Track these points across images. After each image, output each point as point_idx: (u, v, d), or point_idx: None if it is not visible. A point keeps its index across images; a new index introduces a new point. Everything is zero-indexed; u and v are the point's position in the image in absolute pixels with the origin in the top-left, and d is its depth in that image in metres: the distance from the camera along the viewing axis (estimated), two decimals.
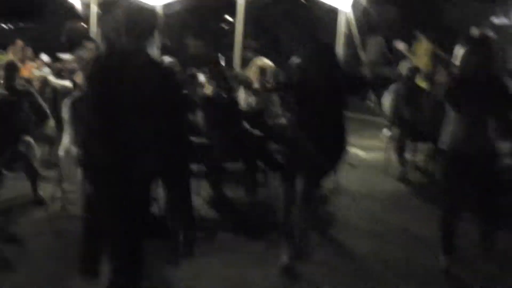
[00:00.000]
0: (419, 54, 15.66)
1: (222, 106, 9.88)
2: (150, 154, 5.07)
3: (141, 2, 5.45)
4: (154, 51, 5.34)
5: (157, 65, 5.32)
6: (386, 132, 11.78)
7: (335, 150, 7.14)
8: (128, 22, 5.20)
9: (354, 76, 8.71)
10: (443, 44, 15.01)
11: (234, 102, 10.25)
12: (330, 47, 7.23)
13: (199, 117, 9.89)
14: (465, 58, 6.90)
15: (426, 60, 15.26)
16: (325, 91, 6.85)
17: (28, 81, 12.28)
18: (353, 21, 14.15)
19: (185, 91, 5.42)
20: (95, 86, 5.13)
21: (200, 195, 9.51)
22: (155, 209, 7.53)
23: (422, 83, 12.28)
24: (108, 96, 4.96)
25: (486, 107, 6.78)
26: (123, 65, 5.03)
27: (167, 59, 11.58)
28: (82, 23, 19.08)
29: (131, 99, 4.93)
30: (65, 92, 10.46)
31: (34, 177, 9.17)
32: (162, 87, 5.06)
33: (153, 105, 4.98)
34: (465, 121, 6.82)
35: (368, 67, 14.45)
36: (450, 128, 6.98)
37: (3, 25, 27.10)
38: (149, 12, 5.40)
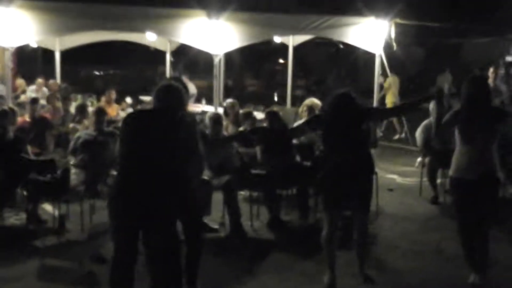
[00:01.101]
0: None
1: (277, 141, 9.59)
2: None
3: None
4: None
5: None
6: (419, 160, 11.41)
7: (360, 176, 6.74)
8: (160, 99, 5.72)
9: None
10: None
11: (287, 137, 9.88)
12: (346, 94, 6.90)
13: (257, 149, 9.59)
14: (462, 93, 6.64)
15: None
16: (342, 126, 6.60)
17: (113, 121, 12.24)
18: (385, 62, 13.95)
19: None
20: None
21: (259, 218, 9.35)
22: None
23: None
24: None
25: (486, 135, 6.50)
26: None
27: (228, 100, 11.47)
28: None
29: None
30: None
31: None
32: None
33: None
34: (467, 150, 6.57)
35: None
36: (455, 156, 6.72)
37: (96, 72, 27.23)
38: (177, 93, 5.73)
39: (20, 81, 17.39)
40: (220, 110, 11.60)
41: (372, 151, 10.35)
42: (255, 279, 7.14)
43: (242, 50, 16.54)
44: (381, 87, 16.64)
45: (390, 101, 17.34)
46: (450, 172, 6.82)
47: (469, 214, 6.71)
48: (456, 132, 6.66)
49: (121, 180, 5.57)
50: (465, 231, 6.79)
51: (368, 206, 6.90)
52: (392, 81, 17.28)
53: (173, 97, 5.66)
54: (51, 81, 17.03)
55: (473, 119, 6.48)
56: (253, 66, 25.64)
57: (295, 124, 10.53)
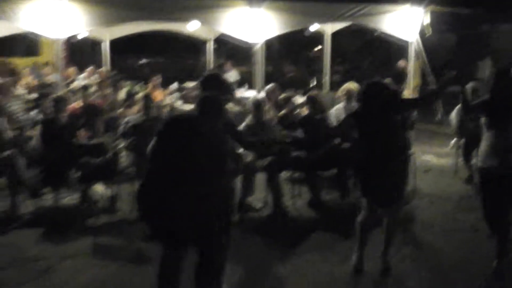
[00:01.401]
0: None
1: (316, 124, 9.55)
2: None
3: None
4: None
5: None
6: (454, 141, 11.24)
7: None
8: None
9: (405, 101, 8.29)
10: None
11: (325, 120, 9.80)
12: (380, 85, 6.73)
13: (298, 133, 9.53)
14: (492, 82, 6.48)
15: None
16: (377, 119, 6.41)
17: (159, 107, 12.24)
18: (421, 49, 13.76)
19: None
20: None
21: (302, 197, 9.29)
22: None
23: None
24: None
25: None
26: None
27: (269, 86, 11.40)
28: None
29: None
30: None
31: None
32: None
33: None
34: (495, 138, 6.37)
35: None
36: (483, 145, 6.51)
37: (141, 61, 27.31)
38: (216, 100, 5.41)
39: (71, 70, 17.41)
40: (262, 95, 11.50)
41: (410, 133, 10.31)
42: (297, 257, 7.08)
43: (281, 38, 16.51)
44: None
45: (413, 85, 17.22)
46: (478, 162, 6.61)
47: (495, 203, 6.49)
48: (483, 121, 6.51)
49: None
50: (492, 218, 6.61)
51: (401, 199, 6.66)
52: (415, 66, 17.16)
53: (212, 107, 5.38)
54: (102, 69, 17.11)
55: (500, 110, 6.34)
56: (291, 53, 25.54)
57: (334, 109, 10.49)
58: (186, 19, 13.47)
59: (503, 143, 6.30)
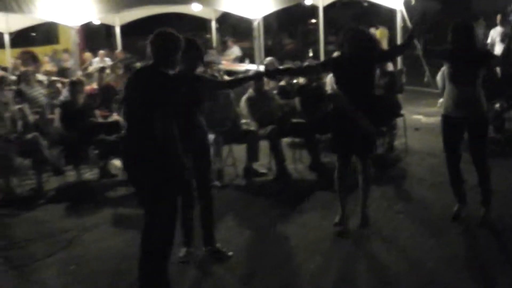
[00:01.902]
0: None
1: (312, 92, 9.50)
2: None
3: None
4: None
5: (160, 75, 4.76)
6: (440, 101, 11.15)
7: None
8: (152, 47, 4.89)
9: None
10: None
11: (321, 88, 9.73)
12: (360, 30, 6.54)
13: (296, 101, 9.46)
14: (452, 39, 6.28)
15: None
16: (356, 65, 6.13)
17: None
18: (406, 16, 13.68)
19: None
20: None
21: (302, 162, 9.25)
22: None
23: None
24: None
25: (472, 75, 6.19)
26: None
27: (267, 58, 11.32)
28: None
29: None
30: None
31: None
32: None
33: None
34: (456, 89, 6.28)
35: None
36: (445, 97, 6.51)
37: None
38: (170, 37, 4.92)
39: (87, 55, 17.43)
40: (261, 68, 11.45)
41: (399, 95, 10.23)
42: (299, 216, 7.06)
43: (278, 13, 16.40)
44: None
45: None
46: (442, 110, 6.58)
47: (454, 147, 6.50)
48: (445, 73, 6.46)
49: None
50: (451, 162, 6.56)
51: (370, 149, 6.54)
52: (382, 33, 17.68)
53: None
54: (117, 51, 17.11)
55: (458, 61, 6.22)
56: (288, 27, 25.39)
57: (328, 77, 10.35)
58: (188, 1, 13.46)
59: (461, 96, 6.22)
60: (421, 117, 12.44)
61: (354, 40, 6.18)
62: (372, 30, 16.18)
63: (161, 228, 4.86)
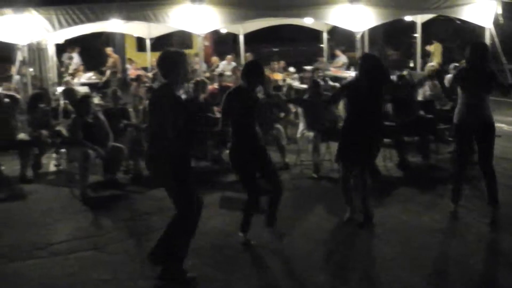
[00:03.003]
0: None
1: (402, 98, 9.15)
2: None
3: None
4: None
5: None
6: None
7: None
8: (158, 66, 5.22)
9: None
10: None
11: (413, 95, 9.44)
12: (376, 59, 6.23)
13: (388, 106, 9.20)
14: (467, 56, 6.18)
15: None
16: (367, 91, 5.99)
17: (279, 87, 12.44)
18: (494, 34, 12.98)
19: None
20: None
21: (392, 160, 9.01)
22: None
23: None
24: None
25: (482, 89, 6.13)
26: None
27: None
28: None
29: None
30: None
31: (282, 150, 8.94)
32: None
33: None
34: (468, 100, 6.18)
35: None
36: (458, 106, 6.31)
37: (273, 49, 27.16)
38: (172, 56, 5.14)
39: (215, 58, 17.73)
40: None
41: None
42: (384, 209, 6.86)
43: (384, 26, 16.12)
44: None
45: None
46: (454, 120, 6.34)
47: (466, 151, 6.41)
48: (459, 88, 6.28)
49: None
50: (461, 161, 6.39)
51: (368, 163, 6.40)
52: (436, 47, 17.04)
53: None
54: (247, 54, 17.28)
55: (469, 79, 6.13)
56: (393, 39, 24.78)
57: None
58: (301, 16, 13.47)
59: (470, 109, 6.14)
60: (503, 125, 11.65)
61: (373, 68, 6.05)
62: (427, 47, 16.57)
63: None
